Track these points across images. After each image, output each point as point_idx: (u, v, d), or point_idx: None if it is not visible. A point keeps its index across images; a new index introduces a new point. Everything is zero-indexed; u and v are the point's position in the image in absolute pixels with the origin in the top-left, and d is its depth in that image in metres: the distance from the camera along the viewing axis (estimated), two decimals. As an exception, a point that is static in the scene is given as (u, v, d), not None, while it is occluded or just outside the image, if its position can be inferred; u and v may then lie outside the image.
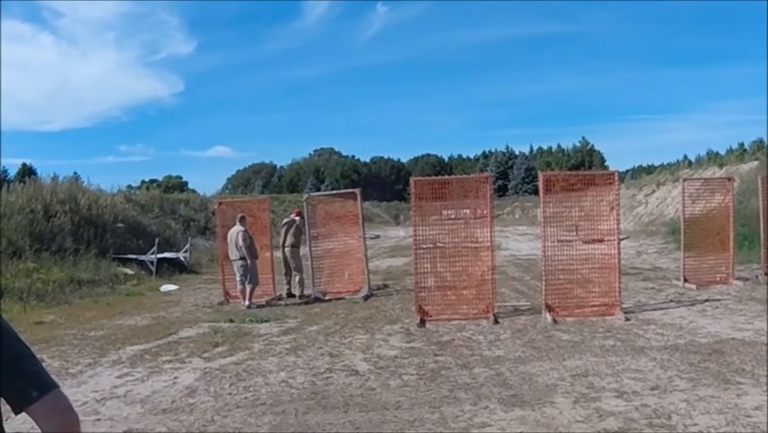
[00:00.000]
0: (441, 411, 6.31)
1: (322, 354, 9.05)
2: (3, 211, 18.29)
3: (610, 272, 11.55)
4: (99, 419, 6.45)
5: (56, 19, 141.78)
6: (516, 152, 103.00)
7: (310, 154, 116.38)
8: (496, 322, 10.87)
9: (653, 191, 35.64)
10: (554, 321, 10.77)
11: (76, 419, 1.87)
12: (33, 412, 1.79)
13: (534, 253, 20.09)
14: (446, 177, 15.56)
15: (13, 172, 63.08)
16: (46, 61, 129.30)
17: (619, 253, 11.69)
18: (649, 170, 62.86)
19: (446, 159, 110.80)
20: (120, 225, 22.23)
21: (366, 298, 14.20)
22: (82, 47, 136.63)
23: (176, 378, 8.05)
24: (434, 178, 13.58)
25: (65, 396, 1.88)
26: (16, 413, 1.81)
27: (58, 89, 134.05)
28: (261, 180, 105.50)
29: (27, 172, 50.54)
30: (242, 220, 14.24)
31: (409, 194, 12.96)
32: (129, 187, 32.82)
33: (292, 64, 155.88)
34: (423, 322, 11.08)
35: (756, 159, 27.65)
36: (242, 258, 13.77)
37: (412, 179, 12.39)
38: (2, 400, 1.85)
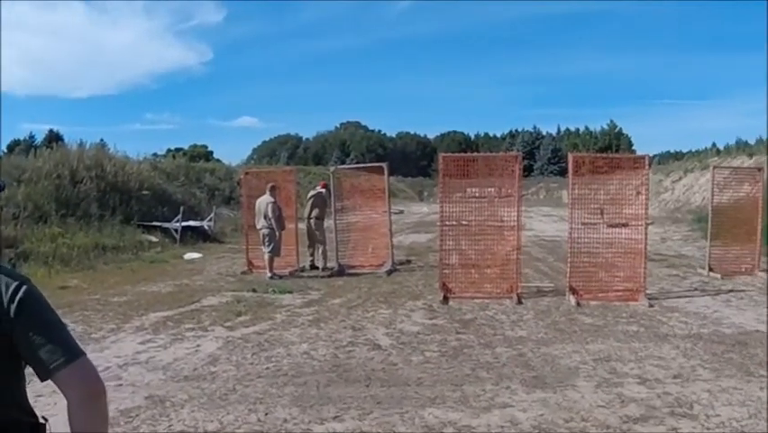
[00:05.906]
0: (462, 390, 6.30)
1: (344, 328, 9.09)
2: (29, 176, 18.46)
3: (635, 258, 11.41)
4: (121, 385, 6.51)
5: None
6: (544, 133, 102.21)
7: (336, 127, 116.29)
8: (519, 302, 10.81)
9: (680, 178, 35.11)
10: (578, 304, 10.68)
11: (102, 389, 1.87)
12: (59, 380, 1.79)
13: (558, 235, 20.00)
14: (474, 154, 15.44)
15: (40, 138, 63.88)
16: (77, 28, 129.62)
17: (646, 239, 11.56)
18: (676, 156, 62.07)
19: (472, 136, 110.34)
20: (145, 192, 22.34)
21: (389, 273, 14.19)
22: (113, 14, 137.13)
23: (198, 346, 8.12)
24: (462, 155, 13.43)
25: (92, 364, 1.87)
26: (42, 380, 1.81)
27: (87, 56, 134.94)
28: (287, 152, 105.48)
29: (54, 138, 51.07)
30: (273, 190, 14.07)
31: (434, 170, 12.91)
32: (155, 155, 33.03)
33: (322, 35, 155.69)
34: (446, 299, 11.05)
35: (786, 149, 27.11)
36: (270, 227, 13.77)
37: (440, 155, 12.31)
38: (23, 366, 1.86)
